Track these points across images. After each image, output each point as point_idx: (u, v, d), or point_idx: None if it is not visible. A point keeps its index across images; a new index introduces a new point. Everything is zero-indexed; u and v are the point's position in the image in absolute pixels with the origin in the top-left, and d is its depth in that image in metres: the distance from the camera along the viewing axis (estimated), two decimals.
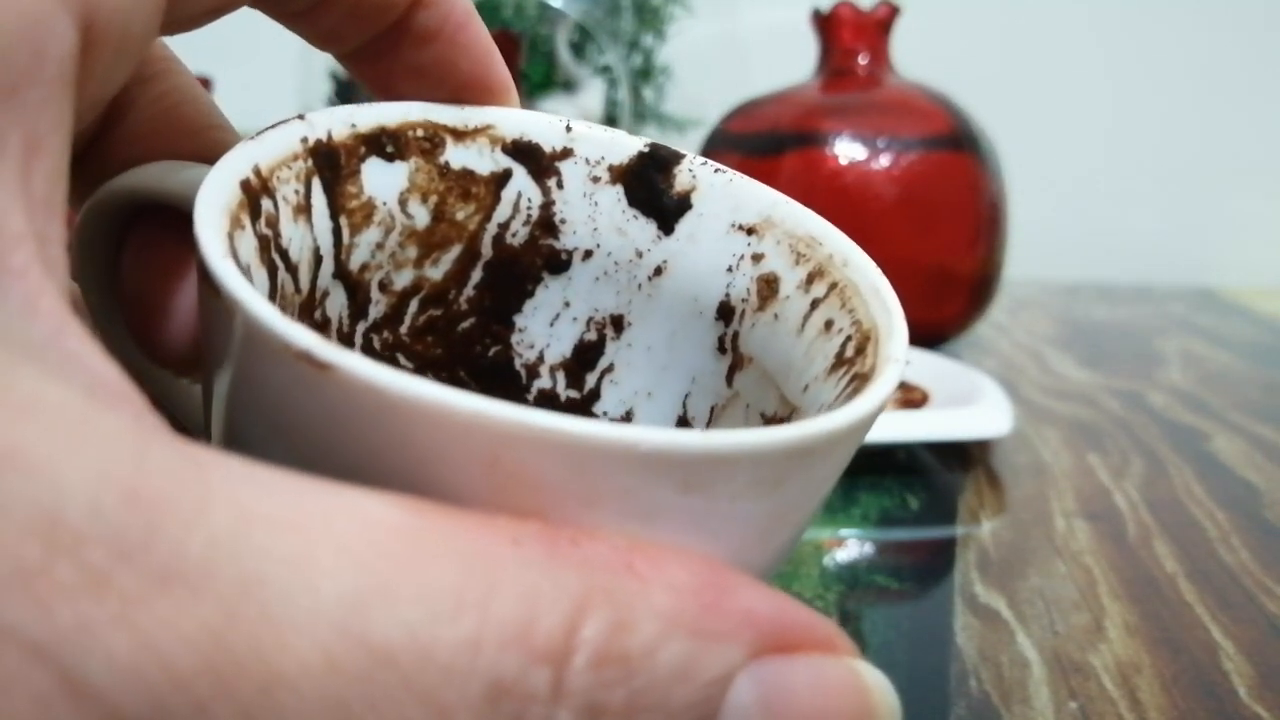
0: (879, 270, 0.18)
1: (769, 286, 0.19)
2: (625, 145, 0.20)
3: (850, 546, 0.36)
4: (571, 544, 0.12)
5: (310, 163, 0.17)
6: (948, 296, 0.59)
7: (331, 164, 0.18)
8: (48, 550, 0.09)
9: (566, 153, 0.20)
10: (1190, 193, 0.97)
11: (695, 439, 0.12)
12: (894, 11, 0.60)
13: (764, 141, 0.58)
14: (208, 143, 0.19)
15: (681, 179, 0.20)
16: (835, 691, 0.12)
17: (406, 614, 0.10)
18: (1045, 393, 0.56)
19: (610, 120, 0.83)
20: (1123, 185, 0.97)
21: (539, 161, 0.20)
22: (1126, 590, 0.33)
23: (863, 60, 0.60)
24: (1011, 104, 0.79)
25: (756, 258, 0.20)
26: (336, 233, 0.18)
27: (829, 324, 0.18)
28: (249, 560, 0.10)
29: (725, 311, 0.20)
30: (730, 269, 0.20)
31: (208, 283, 0.13)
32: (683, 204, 0.20)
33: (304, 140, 0.17)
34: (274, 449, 0.13)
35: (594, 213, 0.20)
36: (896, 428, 0.42)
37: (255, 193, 0.16)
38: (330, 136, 0.18)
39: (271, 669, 0.10)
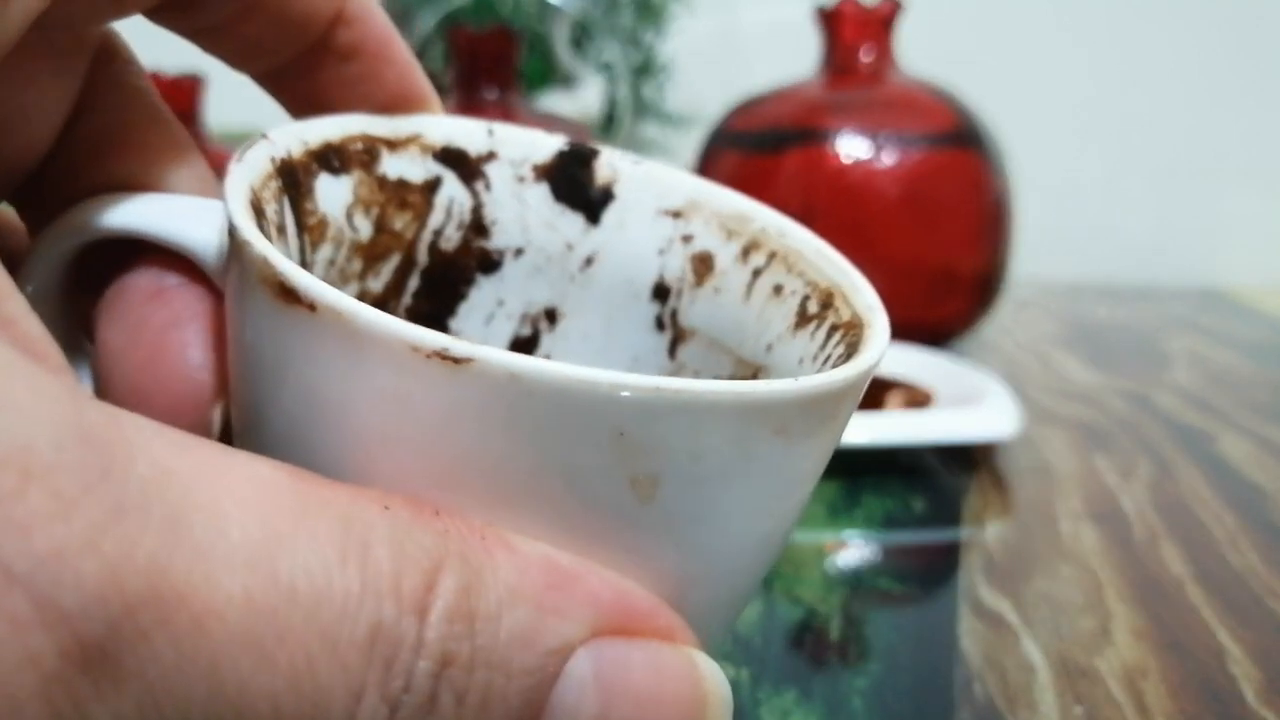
0: (819, 238, 0.20)
1: (704, 263, 0.21)
2: (545, 145, 0.21)
3: (854, 549, 0.36)
4: (433, 514, 0.13)
5: (280, 182, 0.17)
6: (951, 295, 0.58)
7: (294, 182, 0.18)
8: (23, 478, 0.10)
9: (491, 155, 0.21)
10: (1196, 191, 0.96)
11: (790, 388, 0.14)
12: (897, 7, 0.60)
13: (765, 139, 0.58)
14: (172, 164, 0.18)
15: (602, 172, 0.21)
16: (669, 675, 0.13)
17: (304, 561, 0.11)
18: (1050, 394, 0.55)
19: (610, 118, 0.82)
20: (1128, 184, 0.97)
21: (466, 166, 0.21)
22: (1133, 594, 0.32)
23: (866, 57, 0.59)
24: (1016, 101, 0.78)
25: (686, 238, 0.21)
26: (301, 251, 0.18)
27: (778, 289, 0.20)
28: (174, 505, 0.11)
29: (661, 292, 0.21)
30: (661, 251, 0.21)
31: (295, 300, 0.13)
32: (606, 195, 0.21)
33: (273, 160, 0.17)
34: (360, 455, 0.14)
35: (523, 211, 0.21)
36: (901, 430, 0.41)
37: (258, 215, 0.16)
38: (290, 154, 0.18)
39: (204, 602, 0.11)
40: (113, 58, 0.18)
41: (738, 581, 0.16)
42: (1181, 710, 0.26)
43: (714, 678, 0.14)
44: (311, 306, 0.13)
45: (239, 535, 0.11)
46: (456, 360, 0.13)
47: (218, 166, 0.17)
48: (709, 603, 0.16)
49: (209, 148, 0.52)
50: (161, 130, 0.19)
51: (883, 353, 0.16)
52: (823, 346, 0.18)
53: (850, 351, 0.17)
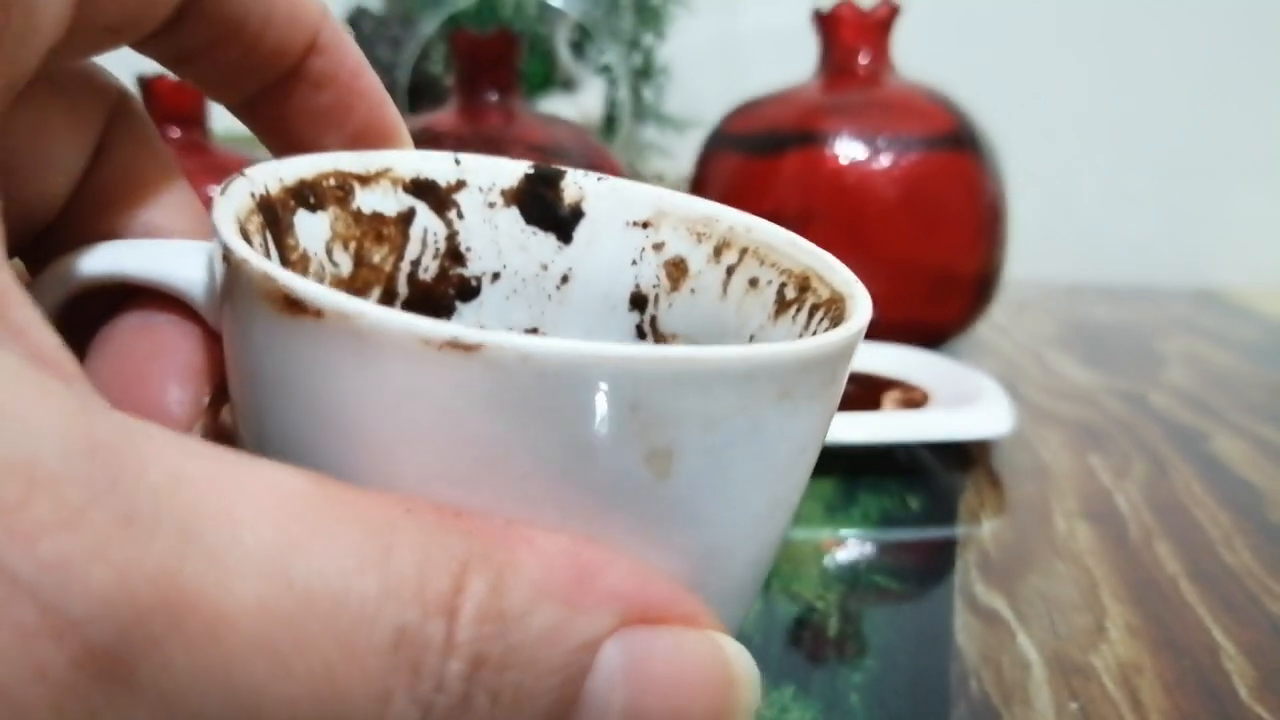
0: (787, 230, 0.20)
1: (677, 268, 0.21)
2: (511, 170, 0.22)
3: (850, 547, 0.36)
4: (455, 515, 0.13)
5: (261, 218, 0.18)
6: (948, 296, 0.58)
7: (274, 218, 0.18)
8: (28, 488, 0.10)
9: (460, 184, 0.21)
10: (1192, 192, 0.96)
11: (792, 348, 0.14)
12: (895, 10, 0.60)
13: (764, 141, 0.58)
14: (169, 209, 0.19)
15: (569, 191, 0.22)
16: (696, 660, 0.13)
17: (321, 567, 0.11)
18: (1046, 393, 0.55)
19: (610, 120, 0.82)
20: (1124, 185, 0.97)
21: (437, 195, 0.21)
22: (1128, 591, 0.32)
23: (863, 60, 0.60)
24: (1012, 103, 0.78)
25: (657, 246, 0.21)
26: None
27: (753, 281, 0.20)
28: (185, 513, 0.11)
29: (638, 300, 0.22)
30: (634, 262, 0.22)
31: (301, 310, 0.14)
32: (575, 213, 0.22)
33: (253, 195, 0.17)
34: (376, 456, 0.14)
35: (496, 236, 0.22)
36: (897, 428, 0.41)
37: (247, 243, 0.16)
38: (268, 191, 0.18)
39: (216, 608, 0.11)
40: (126, 113, 0.19)
41: (752, 557, 0.17)
42: (1176, 706, 0.26)
43: (740, 659, 0.14)
44: (318, 313, 0.13)
45: (253, 541, 0.11)
46: (468, 347, 0.13)
47: (224, 171, 0.17)
48: (727, 581, 0.16)
49: (213, 149, 0.52)
50: (170, 184, 0.19)
51: (869, 317, 0.17)
52: (806, 326, 0.18)
53: (836, 323, 0.17)
